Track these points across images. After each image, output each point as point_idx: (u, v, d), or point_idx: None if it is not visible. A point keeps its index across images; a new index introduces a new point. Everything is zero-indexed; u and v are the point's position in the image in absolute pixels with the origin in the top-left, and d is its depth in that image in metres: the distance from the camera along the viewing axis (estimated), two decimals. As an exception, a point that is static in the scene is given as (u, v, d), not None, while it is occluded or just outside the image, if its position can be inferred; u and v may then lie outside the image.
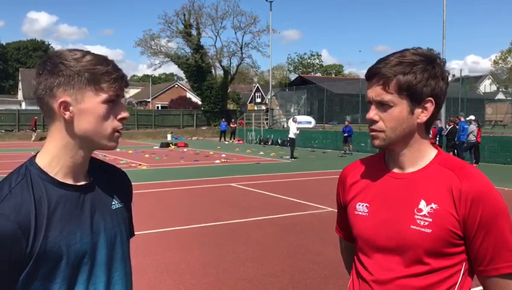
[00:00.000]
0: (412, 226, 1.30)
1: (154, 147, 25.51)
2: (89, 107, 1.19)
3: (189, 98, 53.06)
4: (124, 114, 1.25)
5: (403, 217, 1.32)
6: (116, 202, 1.34)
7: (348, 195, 1.49)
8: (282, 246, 6.17)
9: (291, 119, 22.71)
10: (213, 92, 43.44)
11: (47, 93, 1.19)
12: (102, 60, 1.21)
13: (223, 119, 36.81)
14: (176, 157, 20.30)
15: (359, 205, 1.43)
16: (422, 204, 1.31)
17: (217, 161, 18.37)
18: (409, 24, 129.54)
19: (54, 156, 1.23)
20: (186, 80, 48.87)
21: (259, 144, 31.40)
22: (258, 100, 65.58)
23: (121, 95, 1.24)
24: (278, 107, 40.04)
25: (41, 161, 1.23)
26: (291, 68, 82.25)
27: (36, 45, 72.76)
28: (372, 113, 1.35)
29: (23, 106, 47.33)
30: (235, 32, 45.84)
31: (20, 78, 52.14)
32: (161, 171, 15.07)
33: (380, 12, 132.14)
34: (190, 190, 11.01)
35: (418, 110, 1.32)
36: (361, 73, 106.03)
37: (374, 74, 1.33)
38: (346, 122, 23.49)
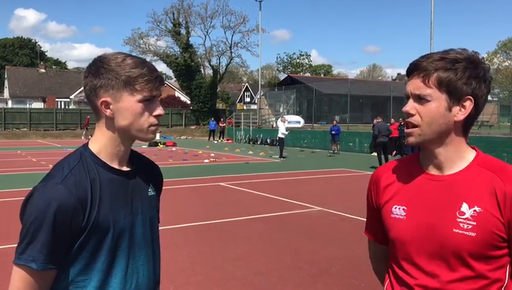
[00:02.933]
0: (454, 230, 1.29)
1: (143, 146, 25.35)
2: (126, 105, 1.34)
3: (178, 97, 52.87)
4: (159, 111, 1.38)
5: (445, 220, 1.31)
6: (151, 190, 1.51)
7: (382, 197, 1.46)
8: (271, 245, 6.19)
9: (280, 119, 22.75)
10: (202, 91, 43.32)
11: (92, 93, 1.36)
12: (139, 63, 1.35)
13: (212, 119, 36.76)
14: (165, 156, 20.19)
15: (395, 207, 1.40)
16: (465, 207, 1.29)
17: (206, 160, 18.33)
18: (398, 24, 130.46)
19: (102, 145, 1.39)
20: (175, 79, 48.67)
21: (249, 143, 31.39)
22: (247, 100, 65.61)
23: (157, 94, 1.37)
24: (267, 107, 40.09)
25: (93, 147, 1.39)
26: (281, 68, 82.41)
27: (23, 42, 71.77)
28: (409, 106, 1.33)
29: (10, 104, 46.78)
30: (225, 32, 45.82)
31: (6, 76, 51.44)
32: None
33: (369, 12, 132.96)
34: (179, 189, 10.97)
35: (456, 108, 1.30)
36: (350, 73, 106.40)
37: (415, 68, 1.32)
38: (335, 122, 23.59)
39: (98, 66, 1.35)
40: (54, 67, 66.25)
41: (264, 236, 6.69)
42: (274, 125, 34.06)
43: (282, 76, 68.24)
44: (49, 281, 1.29)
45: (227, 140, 34.22)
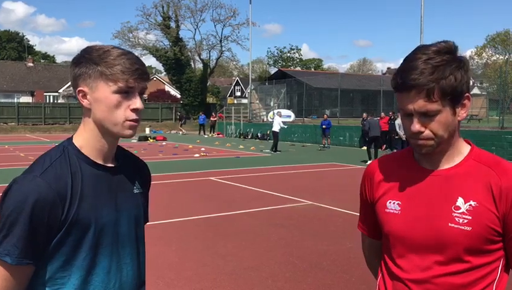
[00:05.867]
0: (450, 224, 1.28)
1: (132, 141, 25.20)
2: (101, 96, 1.29)
3: (168, 92, 52.56)
4: (135, 105, 1.31)
5: (440, 214, 1.30)
6: (137, 187, 1.46)
7: (377, 192, 1.46)
8: (262, 240, 6.17)
9: (276, 113, 22.76)
10: (192, 85, 43.12)
11: (73, 83, 1.33)
12: (121, 54, 1.30)
13: (201, 113, 36.78)
14: (155, 151, 20.12)
15: (390, 202, 1.40)
16: (460, 201, 1.29)
17: (196, 155, 18.28)
18: (388, 19, 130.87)
19: (85, 139, 1.35)
20: (165, 72, 48.41)
21: (239, 137, 31.35)
22: (238, 94, 65.49)
23: (136, 86, 1.30)
24: (257, 101, 40.01)
25: (77, 142, 1.35)
26: (271, 62, 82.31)
27: (10, 36, 70.82)
28: (418, 125, 1.29)
29: (-3, 98, 46.18)
30: (215, 25, 45.83)
31: (-7, 69, 50.71)
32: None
33: (360, 6, 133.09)
34: (169, 184, 10.92)
35: (458, 109, 1.31)
36: (341, 67, 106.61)
37: (412, 87, 1.26)
38: (325, 116, 23.62)
39: (81, 55, 1.32)
40: (42, 61, 65.56)
41: (255, 231, 6.67)
42: (265, 120, 34.03)
43: (273, 70, 68.19)
44: (27, 276, 1.25)
45: (218, 134, 34.15)
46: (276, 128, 20.08)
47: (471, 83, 1.33)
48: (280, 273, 4.89)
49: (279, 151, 19.82)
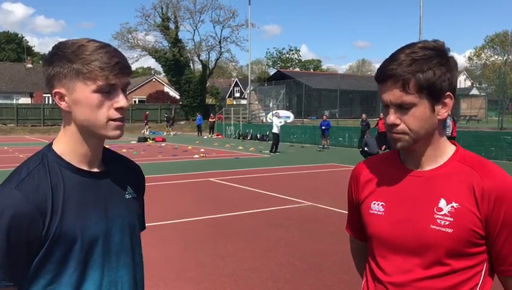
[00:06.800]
0: (431, 226, 1.26)
1: (132, 142, 25.21)
2: (80, 96, 1.17)
3: (167, 93, 52.59)
4: (120, 103, 1.19)
5: (422, 216, 1.28)
6: (130, 192, 1.35)
7: (362, 193, 1.44)
8: (262, 241, 6.17)
9: (274, 114, 22.81)
10: (191, 86, 43.15)
11: (48, 84, 1.21)
12: (98, 48, 1.17)
13: (197, 114, 36.99)
14: (154, 152, 20.10)
15: (374, 203, 1.38)
16: (442, 203, 1.27)
17: (196, 156, 18.28)
18: (387, 20, 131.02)
19: (66, 144, 1.23)
20: (164, 74, 48.44)
21: (238, 138, 31.34)
22: (237, 95, 65.47)
23: (117, 83, 1.18)
24: (256, 102, 40.02)
25: (57, 148, 1.24)
26: (270, 63, 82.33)
27: (9, 37, 70.83)
28: (393, 117, 1.27)
29: (-4, 99, 46.15)
30: (214, 26, 45.77)
31: (-8, 71, 50.67)
32: (139, 166, 14.90)
33: (359, 7, 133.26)
34: (168, 185, 10.91)
35: (438, 107, 1.28)
36: (340, 68, 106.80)
37: (389, 76, 1.25)
38: (324, 117, 23.63)
39: (53, 53, 1.19)
40: (41, 62, 65.50)
41: (255, 232, 6.67)
42: (264, 120, 34.04)
43: (272, 71, 68.23)
44: None
45: (217, 135, 34.15)
46: (275, 129, 20.11)
47: (459, 84, 1.32)
48: (280, 274, 4.89)
49: (279, 152, 19.84)
